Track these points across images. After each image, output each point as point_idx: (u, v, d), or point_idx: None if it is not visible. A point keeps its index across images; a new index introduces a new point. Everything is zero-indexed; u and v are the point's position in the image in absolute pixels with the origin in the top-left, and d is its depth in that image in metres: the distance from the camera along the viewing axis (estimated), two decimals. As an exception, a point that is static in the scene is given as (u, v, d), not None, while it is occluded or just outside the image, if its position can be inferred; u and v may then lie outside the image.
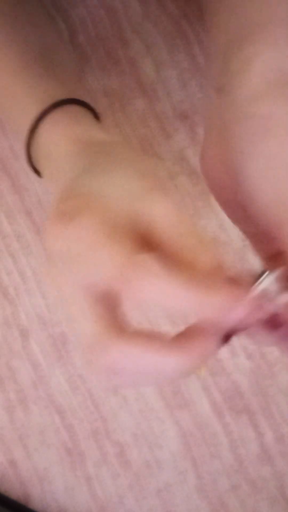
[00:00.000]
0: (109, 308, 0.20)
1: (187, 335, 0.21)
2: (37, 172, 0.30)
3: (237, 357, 0.37)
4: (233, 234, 0.37)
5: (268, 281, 0.21)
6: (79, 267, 0.20)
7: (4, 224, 0.39)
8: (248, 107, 0.22)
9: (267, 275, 0.21)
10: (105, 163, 0.25)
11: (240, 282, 0.22)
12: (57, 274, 0.21)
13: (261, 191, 0.22)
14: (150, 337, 0.20)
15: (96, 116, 0.30)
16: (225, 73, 0.23)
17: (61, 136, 0.28)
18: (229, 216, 0.25)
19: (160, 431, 0.38)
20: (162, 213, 0.21)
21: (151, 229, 0.21)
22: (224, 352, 0.37)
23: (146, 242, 0.21)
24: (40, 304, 0.38)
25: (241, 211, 0.23)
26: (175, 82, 0.38)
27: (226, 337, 0.21)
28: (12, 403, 0.38)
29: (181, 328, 0.20)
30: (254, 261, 0.38)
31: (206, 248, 0.21)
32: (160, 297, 0.19)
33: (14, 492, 0.39)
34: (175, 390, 0.38)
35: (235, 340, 0.38)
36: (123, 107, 0.38)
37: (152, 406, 0.38)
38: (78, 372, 0.38)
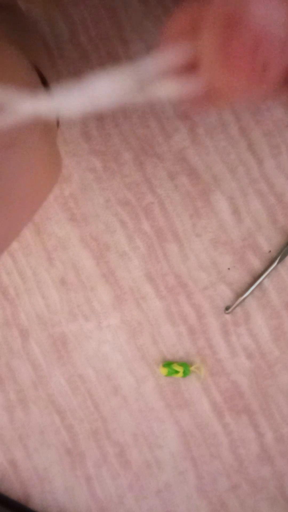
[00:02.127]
0: None
1: None
2: None
3: (237, 357, 0.37)
4: (233, 234, 0.38)
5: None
6: None
7: (4, 224, 0.39)
8: None
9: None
10: None
11: None
12: None
13: None
14: None
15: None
16: None
17: None
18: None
19: (160, 431, 0.38)
20: None
21: None
22: (224, 352, 0.37)
23: None
24: (40, 304, 0.38)
25: None
26: (175, 82, 0.38)
27: None
28: (12, 403, 0.38)
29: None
30: (254, 261, 0.38)
31: None
32: None
33: (14, 492, 0.39)
34: (175, 390, 0.38)
35: (235, 340, 0.38)
36: (123, 107, 0.38)
37: (152, 406, 0.38)
38: (78, 372, 0.38)
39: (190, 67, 0.18)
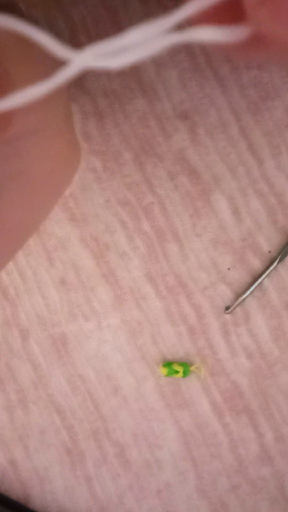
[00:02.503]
0: None
1: None
2: None
3: (237, 357, 0.37)
4: (233, 234, 0.37)
5: None
6: None
7: (4, 224, 0.39)
8: None
9: None
10: None
11: None
12: None
13: None
14: None
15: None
16: None
17: None
18: None
19: (160, 431, 0.38)
20: None
21: None
22: (224, 352, 0.37)
23: None
24: (40, 304, 0.38)
25: None
26: (175, 82, 0.38)
27: None
28: (12, 403, 0.38)
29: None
30: (254, 261, 0.38)
31: None
32: None
33: (14, 492, 0.39)
34: (175, 390, 0.38)
35: (235, 340, 0.38)
36: (123, 107, 0.38)
37: (152, 406, 0.38)
38: (78, 372, 0.38)
39: (232, 9, 0.16)
